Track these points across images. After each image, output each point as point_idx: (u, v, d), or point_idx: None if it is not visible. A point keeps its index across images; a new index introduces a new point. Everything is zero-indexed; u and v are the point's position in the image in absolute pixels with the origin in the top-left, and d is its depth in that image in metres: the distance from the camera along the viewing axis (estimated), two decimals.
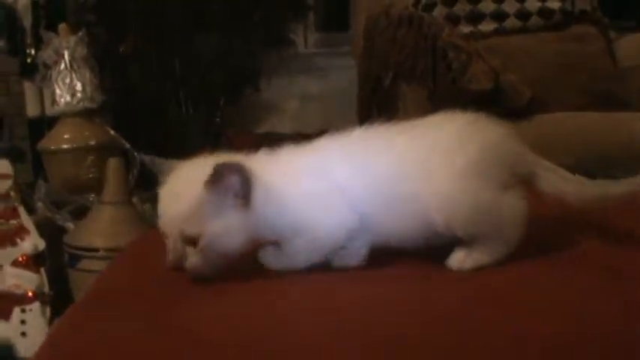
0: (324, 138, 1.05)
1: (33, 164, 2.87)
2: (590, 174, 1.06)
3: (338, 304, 0.86)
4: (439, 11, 2.64)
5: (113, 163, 2.28)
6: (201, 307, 0.89)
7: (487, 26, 2.66)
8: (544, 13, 2.67)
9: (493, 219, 0.95)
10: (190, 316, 0.86)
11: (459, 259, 0.97)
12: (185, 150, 3.26)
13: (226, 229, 0.94)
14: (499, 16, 2.66)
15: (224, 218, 0.94)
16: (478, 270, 0.95)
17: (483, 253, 0.96)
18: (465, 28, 2.64)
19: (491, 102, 2.27)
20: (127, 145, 2.67)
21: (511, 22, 2.66)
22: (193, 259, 0.95)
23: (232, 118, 3.19)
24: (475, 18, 2.65)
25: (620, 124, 2.35)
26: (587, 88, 2.53)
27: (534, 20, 2.67)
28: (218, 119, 3.09)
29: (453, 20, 2.64)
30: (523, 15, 2.66)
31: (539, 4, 2.68)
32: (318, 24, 3.78)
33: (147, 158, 2.56)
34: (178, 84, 2.96)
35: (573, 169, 1.10)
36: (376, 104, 2.42)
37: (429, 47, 2.21)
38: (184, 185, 0.97)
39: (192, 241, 0.95)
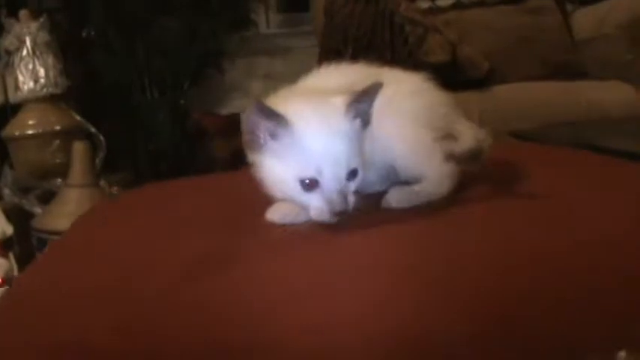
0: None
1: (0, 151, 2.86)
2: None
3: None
4: None
5: (77, 146, 2.29)
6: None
7: (446, 1, 2.70)
8: None
9: (432, 162, 1.00)
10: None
11: (397, 199, 1.00)
12: (151, 133, 3.27)
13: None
14: None
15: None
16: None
17: (419, 194, 1.00)
18: (424, 4, 2.69)
19: (449, 73, 2.32)
20: (93, 129, 2.68)
21: None
22: (352, 198, 0.91)
23: (197, 100, 3.20)
24: None
25: (577, 94, 2.42)
26: (544, 59, 2.59)
27: None
28: (183, 102, 3.11)
29: None
30: None
31: None
32: (280, 4, 3.79)
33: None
34: (143, 68, 2.96)
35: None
36: None
37: (386, 22, 2.25)
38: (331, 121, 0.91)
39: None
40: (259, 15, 3.48)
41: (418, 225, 0.94)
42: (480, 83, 2.38)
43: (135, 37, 2.93)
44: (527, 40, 2.59)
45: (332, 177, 0.89)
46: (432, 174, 1.00)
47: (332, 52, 2.41)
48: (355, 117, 0.92)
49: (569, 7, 2.90)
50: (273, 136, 0.89)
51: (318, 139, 0.89)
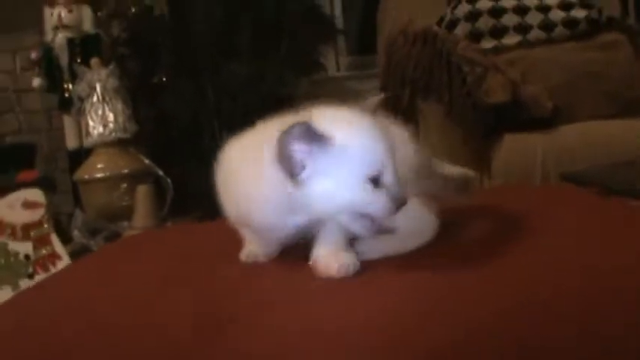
0: None
1: (73, 195, 2.96)
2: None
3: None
4: (462, 28, 2.62)
5: (141, 190, 2.35)
6: None
7: (511, 39, 2.63)
8: (569, 22, 2.62)
9: (410, 213, 0.97)
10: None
11: (370, 249, 0.98)
12: None
13: None
14: (523, 29, 2.63)
15: None
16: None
17: (394, 243, 0.99)
18: (489, 43, 2.62)
19: (511, 114, 2.26)
20: (161, 172, 2.74)
21: (535, 34, 2.62)
22: None
23: None
24: (498, 32, 2.63)
25: None
26: (614, 96, 2.48)
27: (559, 31, 2.62)
28: None
29: (477, 35, 2.62)
30: (547, 26, 2.62)
31: (563, 13, 2.63)
32: (349, 47, 3.80)
33: None
34: (212, 111, 3.01)
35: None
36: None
37: (443, 62, 2.21)
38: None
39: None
40: (329, 58, 3.49)
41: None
42: (545, 123, 2.29)
43: (204, 81, 2.99)
44: (596, 76, 2.48)
45: (393, 167, 0.91)
46: (409, 225, 0.99)
47: (391, 94, 2.39)
48: None
49: None
50: (315, 155, 0.88)
51: (373, 134, 0.90)
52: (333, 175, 0.89)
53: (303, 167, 0.88)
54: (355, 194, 0.90)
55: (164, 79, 3.06)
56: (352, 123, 0.90)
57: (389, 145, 0.91)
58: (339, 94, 3.53)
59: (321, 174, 0.89)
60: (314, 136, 0.87)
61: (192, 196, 3.05)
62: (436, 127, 2.35)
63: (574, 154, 2.21)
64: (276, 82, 3.10)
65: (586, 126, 2.35)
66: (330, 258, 0.94)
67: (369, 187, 0.89)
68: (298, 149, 0.87)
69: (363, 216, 0.91)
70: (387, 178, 0.90)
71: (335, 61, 3.72)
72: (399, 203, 0.90)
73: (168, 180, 2.73)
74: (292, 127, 0.85)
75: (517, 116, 2.24)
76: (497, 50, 2.60)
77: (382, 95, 1.02)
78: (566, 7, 2.67)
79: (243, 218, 1.01)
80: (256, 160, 0.92)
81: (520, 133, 2.25)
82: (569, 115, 2.38)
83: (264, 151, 0.90)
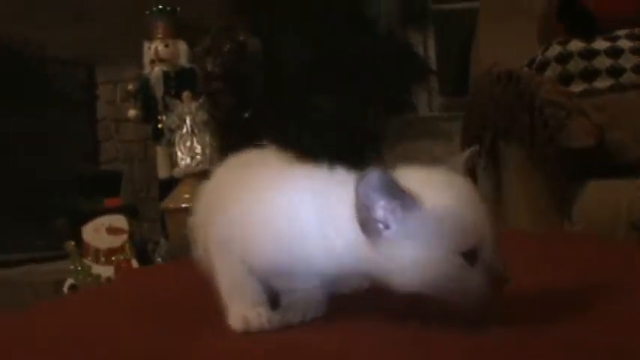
0: None
1: (160, 223, 3.05)
2: None
3: None
4: (553, 69, 2.56)
5: None
6: None
7: (603, 83, 2.54)
8: None
9: None
10: None
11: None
12: None
13: None
14: (615, 72, 2.53)
15: None
16: None
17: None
18: (579, 86, 2.55)
19: (596, 159, 2.18)
20: None
21: (628, 77, 2.52)
22: None
23: None
24: (589, 75, 2.55)
25: None
26: None
27: None
28: None
29: (567, 78, 2.56)
30: None
31: None
32: (442, 88, 3.78)
33: None
34: (295, 146, 3.05)
35: None
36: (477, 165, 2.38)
37: (525, 104, 2.16)
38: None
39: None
40: (421, 99, 3.49)
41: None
42: (632, 170, 2.20)
43: (289, 116, 3.04)
44: None
45: (494, 241, 0.76)
46: None
47: (472, 137, 2.35)
48: None
49: None
50: (398, 215, 0.75)
51: (470, 199, 0.77)
52: (421, 243, 0.74)
53: (387, 226, 0.76)
54: (445, 271, 0.75)
55: (254, 113, 3.13)
56: (445, 184, 0.78)
57: (488, 213, 0.77)
58: (429, 134, 3.52)
59: (408, 239, 0.75)
60: (397, 191, 0.74)
61: None
62: (517, 171, 2.29)
63: None
64: (364, 118, 3.12)
65: None
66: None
67: (463, 263, 0.74)
68: (380, 202, 0.75)
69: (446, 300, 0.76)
70: (486, 253, 0.75)
71: (427, 101, 3.70)
72: (498, 286, 0.75)
73: None
74: (370, 173, 0.73)
75: (602, 162, 2.16)
76: (587, 94, 2.52)
77: (471, 150, 0.90)
78: None
79: (280, 262, 0.82)
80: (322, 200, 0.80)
81: (605, 179, 2.17)
82: None
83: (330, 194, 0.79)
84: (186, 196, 2.77)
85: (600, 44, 2.58)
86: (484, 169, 2.43)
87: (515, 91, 2.19)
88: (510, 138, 2.23)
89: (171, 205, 2.76)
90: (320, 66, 3.06)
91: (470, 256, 0.74)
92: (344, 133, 3.05)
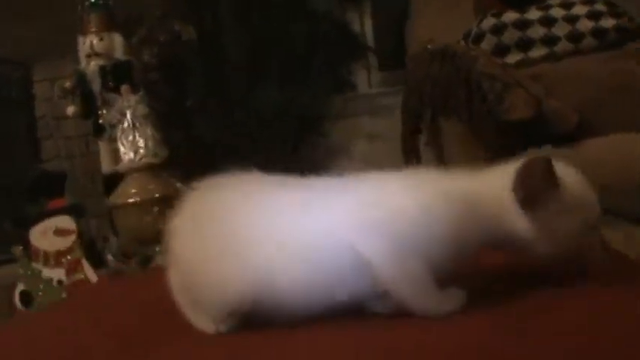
0: None
1: (109, 219, 3.01)
2: None
3: None
4: (488, 41, 2.59)
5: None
6: None
7: (538, 52, 2.58)
8: (597, 32, 2.56)
9: None
10: None
11: None
12: None
13: None
14: (550, 41, 2.58)
15: None
16: None
17: None
18: (515, 57, 2.59)
19: (535, 129, 2.21)
20: None
21: (563, 46, 2.57)
22: None
23: (300, 164, 3.23)
24: (525, 45, 2.59)
25: None
26: None
27: (587, 41, 2.56)
28: (286, 166, 3.15)
29: (503, 49, 2.59)
30: (575, 37, 2.57)
31: (591, 23, 2.57)
32: (380, 63, 3.78)
33: None
34: (242, 134, 3.04)
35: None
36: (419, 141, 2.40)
37: (462, 80, 2.18)
38: None
39: None
40: (359, 75, 3.49)
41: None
42: (571, 138, 2.24)
43: (233, 105, 3.02)
44: (626, 88, 2.40)
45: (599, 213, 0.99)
46: None
47: (412, 114, 2.37)
48: None
49: None
50: (549, 193, 0.94)
51: (589, 186, 0.98)
52: (566, 216, 0.95)
53: (540, 204, 0.95)
54: (581, 235, 0.97)
55: (195, 102, 3.10)
56: (571, 171, 0.98)
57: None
58: (369, 110, 3.54)
59: (556, 213, 0.95)
60: (553, 177, 0.94)
61: None
62: (459, 146, 2.32)
63: (603, 170, 2.15)
64: (307, 103, 3.11)
65: (615, 139, 2.29)
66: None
67: (589, 229, 0.97)
68: (541, 184, 0.94)
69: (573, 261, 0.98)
70: (598, 221, 0.98)
71: (367, 78, 3.70)
72: (605, 246, 1.00)
73: None
74: (537, 160, 0.94)
75: (541, 132, 2.20)
76: (523, 64, 2.56)
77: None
78: (594, 16, 2.61)
79: None
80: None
81: (544, 148, 2.20)
82: (597, 129, 2.33)
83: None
84: (133, 190, 2.73)
85: (534, 14, 2.62)
86: (426, 144, 2.46)
87: (452, 68, 2.21)
88: (449, 113, 2.25)
89: (119, 201, 2.72)
90: (260, 51, 3.04)
91: (591, 229, 0.98)
92: (289, 118, 3.04)
